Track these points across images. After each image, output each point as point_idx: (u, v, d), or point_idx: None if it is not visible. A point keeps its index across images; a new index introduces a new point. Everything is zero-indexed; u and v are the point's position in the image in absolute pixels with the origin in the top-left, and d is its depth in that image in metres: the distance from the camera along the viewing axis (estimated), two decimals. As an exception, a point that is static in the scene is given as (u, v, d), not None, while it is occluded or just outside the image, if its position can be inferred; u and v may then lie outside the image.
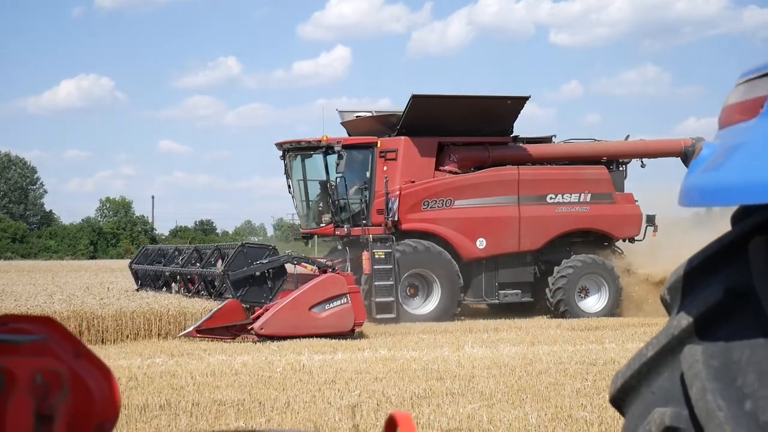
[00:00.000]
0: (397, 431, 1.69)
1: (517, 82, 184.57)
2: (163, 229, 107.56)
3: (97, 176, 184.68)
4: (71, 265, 60.78)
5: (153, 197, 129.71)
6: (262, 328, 16.72)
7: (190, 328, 16.89)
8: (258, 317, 17.09)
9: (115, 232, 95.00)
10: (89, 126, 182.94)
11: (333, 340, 16.61)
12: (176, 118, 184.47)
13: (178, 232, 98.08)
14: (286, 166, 23.75)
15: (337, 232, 22.61)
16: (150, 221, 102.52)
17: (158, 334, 17.40)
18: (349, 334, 17.30)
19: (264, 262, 17.96)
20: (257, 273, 17.86)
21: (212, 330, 16.79)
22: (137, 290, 22.42)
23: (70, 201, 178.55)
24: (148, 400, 10.28)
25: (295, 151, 23.37)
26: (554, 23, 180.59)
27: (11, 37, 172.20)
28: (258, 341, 16.62)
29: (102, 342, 16.83)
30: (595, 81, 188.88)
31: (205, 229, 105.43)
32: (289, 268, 18.35)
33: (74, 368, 1.69)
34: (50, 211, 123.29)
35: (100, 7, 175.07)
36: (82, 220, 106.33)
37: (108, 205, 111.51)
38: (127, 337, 17.11)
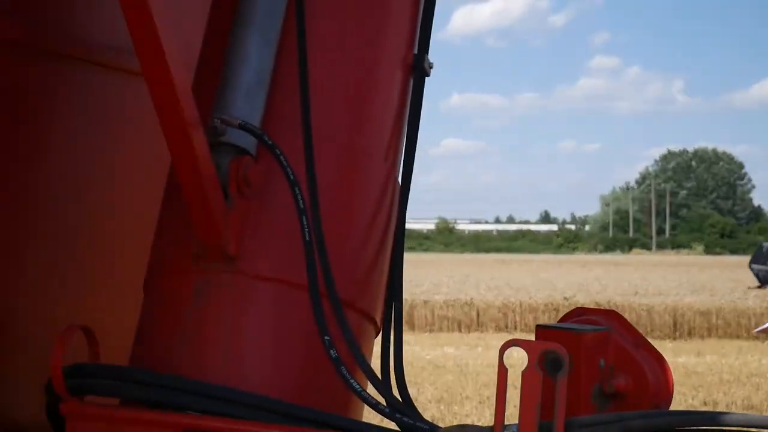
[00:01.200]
0: None
1: None
2: None
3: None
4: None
5: None
6: None
7: (766, 324, 16.18)
8: None
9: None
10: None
11: None
12: None
13: None
14: None
15: None
16: None
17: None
18: None
19: None
20: None
21: None
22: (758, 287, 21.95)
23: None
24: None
25: None
26: None
27: (716, 35, 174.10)
28: None
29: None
30: None
31: None
32: None
33: (633, 356, 1.95)
34: (758, 206, 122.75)
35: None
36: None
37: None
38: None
